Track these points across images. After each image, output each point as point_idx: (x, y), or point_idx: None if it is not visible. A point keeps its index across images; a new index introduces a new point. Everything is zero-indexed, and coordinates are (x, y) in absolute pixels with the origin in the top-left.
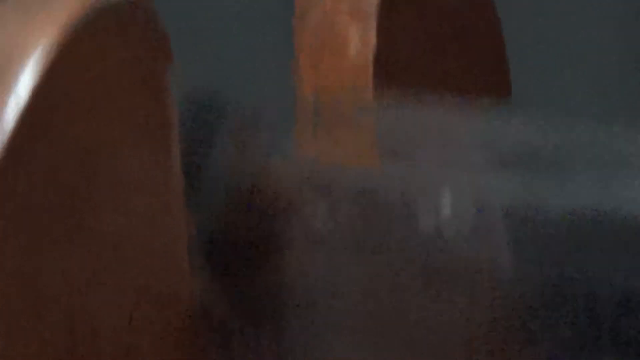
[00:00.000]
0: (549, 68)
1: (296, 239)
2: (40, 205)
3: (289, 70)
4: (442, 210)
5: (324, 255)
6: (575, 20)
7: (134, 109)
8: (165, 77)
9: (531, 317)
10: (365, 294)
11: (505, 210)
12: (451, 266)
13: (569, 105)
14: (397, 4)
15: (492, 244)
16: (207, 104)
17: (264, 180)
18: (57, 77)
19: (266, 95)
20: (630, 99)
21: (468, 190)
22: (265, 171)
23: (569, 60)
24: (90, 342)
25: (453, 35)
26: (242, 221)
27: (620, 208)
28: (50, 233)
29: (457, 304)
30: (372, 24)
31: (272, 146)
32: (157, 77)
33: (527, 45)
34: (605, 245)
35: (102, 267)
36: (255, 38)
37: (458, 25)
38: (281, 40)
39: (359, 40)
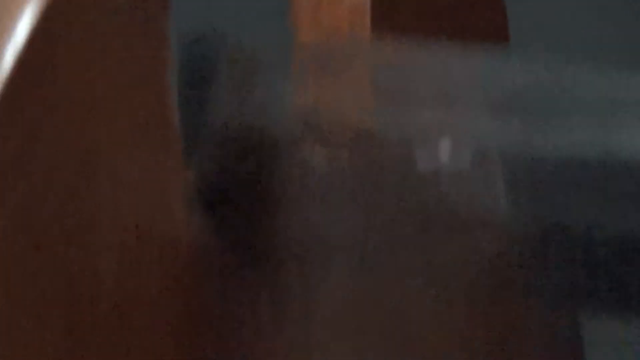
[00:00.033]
0: (548, 12)
1: (294, 184)
2: (40, 141)
3: (287, 14)
4: (440, 154)
5: (322, 200)
6: None
7: (130, 53)
8: (164, 23)
9: (528, 263)
10: (362, 239)
11: (503, 155)
12: (448, 211)
13: (567, 50)
14: None
15: (489, 189)
16: (204, 48)
17: (261, 124)
18: (55, 19)
19: (264, 40)
20: (631, 43)
21: (465, 135)
22: (263, 115)
23: (568, 4)
24: (89, 292)
25: None
26: (240, 166)
27: (619, 153)
28: (52, 179)
29: (453, 250)
30: None
31: (270, 91)
32: (155, 22)
33: None
34: (604, 190)
35: (100, 212)
36: None
37: None
38: None
39: None
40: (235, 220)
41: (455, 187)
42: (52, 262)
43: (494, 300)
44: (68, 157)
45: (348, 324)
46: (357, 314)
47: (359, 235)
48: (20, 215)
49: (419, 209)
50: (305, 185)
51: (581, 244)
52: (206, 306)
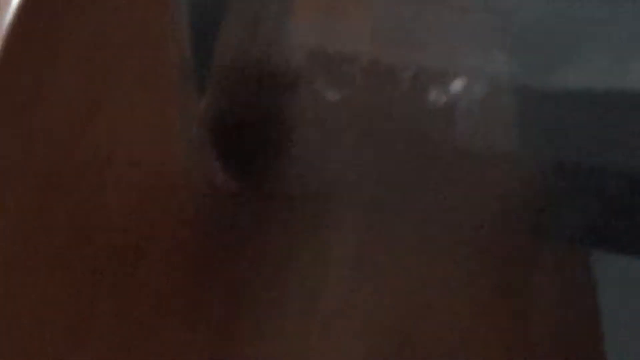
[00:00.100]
0: None
1: (304, 118)
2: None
3: None
4: (451, 89)
5: (332, 134)
6: None
7: None
8: None
9: (539, 199)
10: (373, 174)
11: (514, 90)
12: (459, 146)
13: None
14: None
15: (500, 124)
16: None
17: (271, 59)
18: None
19: None
20: None
21: (476, 69)
22: (273, 50)
23: None
24: (100, 228)
25: None
26: (250, 101)
27: (632, 88)
28: (65, 113)
29: (464, 185)
30: None
31: (279, 26)
32: None
33: None
34: (617, 125)
35: (112, 148)
36: None
37: None
38: None
39: None
40: (247, 152)
41: (466, 122)
42: (65, 197)
43: (504, 237)
44: (80, 92)
45: (362, 263)
46: (370, 254)
47: (370, 171)
48: (32, 147)
49: (430, 144)
50: (315, 119)
51: (593, 181)
52: (217, 243)
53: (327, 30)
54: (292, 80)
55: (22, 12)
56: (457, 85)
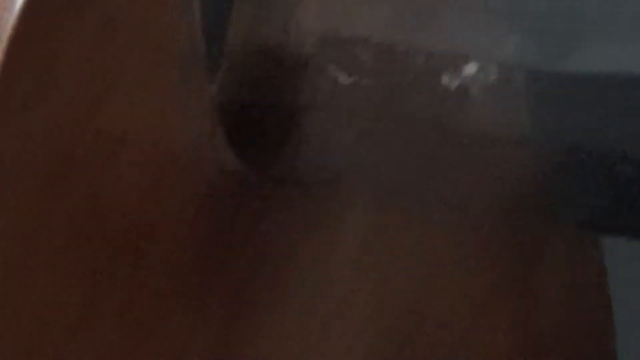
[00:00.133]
0: None
1: (317, 101)
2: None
3: None
4: (465, 71)
5: (346, 114)
6: None
7: None
8: None
9: (551, 181)
10: (385, 156)
11: (527, 72)
12: (472, 128)
13: None
14: None
15: (513, 106)
16: None
17: (283, 42)
18: None
19: None
20: None
21: (490, 52)
22: (285, 33)
23: None
24: (115, 213)
25: None
26: (263, 83)
27: None
28: (78, 93)
29: (477, 166)
30: None
31: (292, 9)
32: None
33: None
34: (630, 108)
35: (126, 128)
36: None
37: None
38: None
39: None
40: (257, 140)
41: (478, 106)
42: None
43: (516, 218)
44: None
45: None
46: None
47: (381, 155)
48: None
49: (442, 128)
50: (329, 102)
51: (605, 163)
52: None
53: (339, 14)
54: (303, 64)
55: (25, 13)
56: (469, 69)
